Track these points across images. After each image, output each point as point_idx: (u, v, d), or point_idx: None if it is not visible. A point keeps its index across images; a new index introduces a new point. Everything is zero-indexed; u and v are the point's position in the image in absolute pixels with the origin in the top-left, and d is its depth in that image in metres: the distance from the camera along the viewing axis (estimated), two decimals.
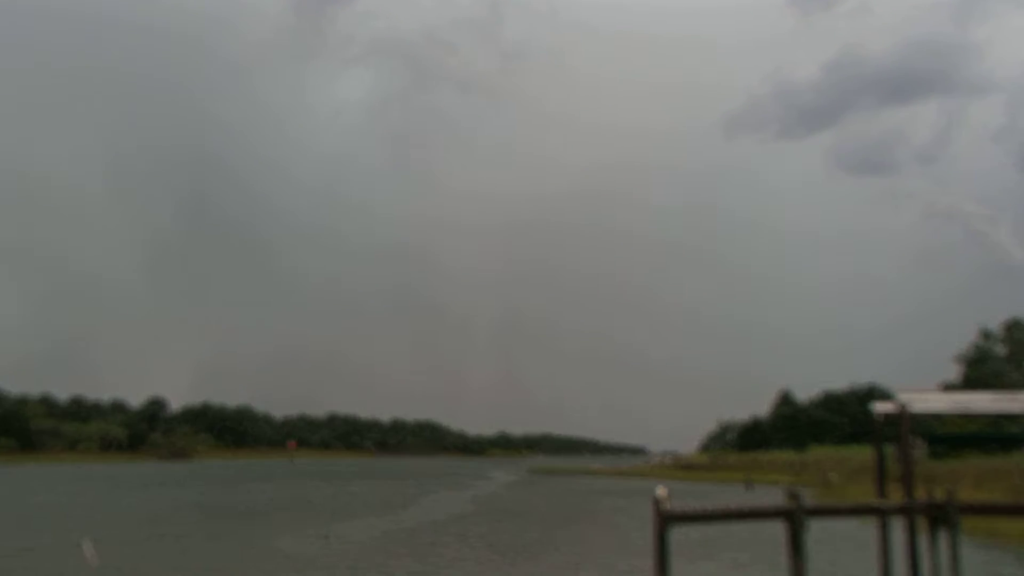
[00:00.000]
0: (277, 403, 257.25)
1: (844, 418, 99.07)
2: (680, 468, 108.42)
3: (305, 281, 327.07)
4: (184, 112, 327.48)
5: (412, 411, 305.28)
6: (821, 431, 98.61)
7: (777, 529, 18.00)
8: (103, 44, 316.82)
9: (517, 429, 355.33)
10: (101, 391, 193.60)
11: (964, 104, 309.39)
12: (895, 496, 20.40)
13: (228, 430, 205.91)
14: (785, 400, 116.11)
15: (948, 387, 64.66)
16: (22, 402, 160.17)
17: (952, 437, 51.74)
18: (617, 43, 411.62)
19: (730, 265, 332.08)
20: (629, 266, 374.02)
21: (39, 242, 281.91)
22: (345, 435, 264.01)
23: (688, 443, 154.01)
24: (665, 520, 17.20)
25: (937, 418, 59.85)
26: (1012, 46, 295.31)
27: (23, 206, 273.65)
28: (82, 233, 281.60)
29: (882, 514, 20.54)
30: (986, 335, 76.50)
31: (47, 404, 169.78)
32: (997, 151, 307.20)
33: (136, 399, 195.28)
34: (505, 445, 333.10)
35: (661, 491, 17.52)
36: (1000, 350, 75.63)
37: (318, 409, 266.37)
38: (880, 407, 22.49)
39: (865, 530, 29.23)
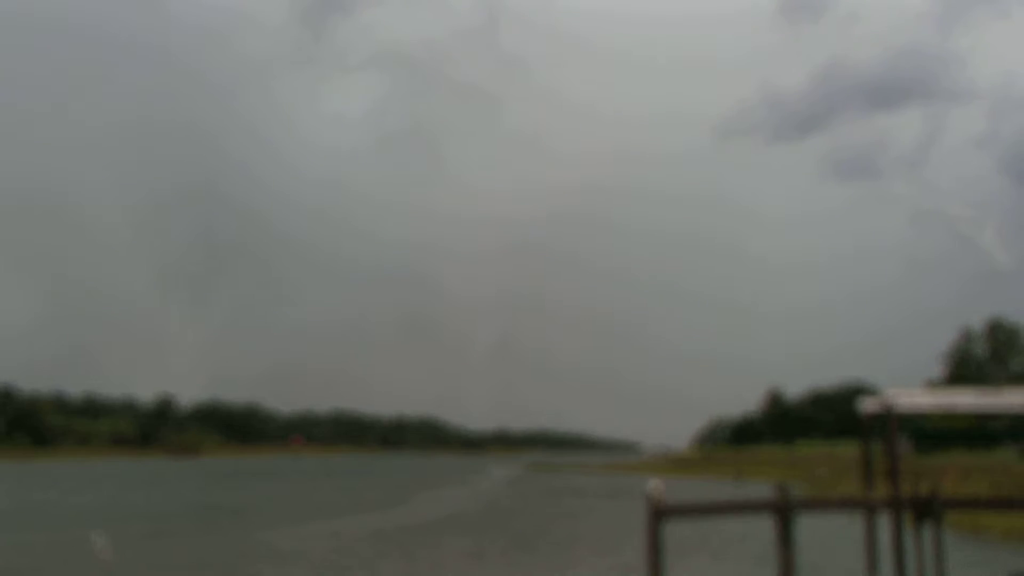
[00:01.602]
0: (283, 401, 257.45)
1: (832, 415, 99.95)
2: (673, 464, 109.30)
3: (306, 300, 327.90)
4: (185, 129, 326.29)
5: (414, 409, 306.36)
6: (810, 428, 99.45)
7: (767, 523, 18.63)
8: (103, 60, 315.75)
9: (516, 426, 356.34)
10: (112, 389, 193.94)
11: (947, 111, 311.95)
12: (882, 491, 21.06)
13: (236, 427, 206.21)
14: (775, 398, 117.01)
15: (933, 385, 65.54)
16: (35, 400, 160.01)
17: (937, 433, 52.54)
18: (609, 54, 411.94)
19: (724, 268, 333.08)
20: (627, 271, 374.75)
21: (53, 247, 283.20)
22: (349, 431, 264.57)
23: (681, 439, 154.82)
24: (658, 514, 17.81)
25: (923, 415, 60.66)
26: (994, 55, 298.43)
27: (36, 214, 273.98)
28: (94, 240, 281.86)
29: (869, 508, 21.21)
30: (969, 335, 77.48)
31: (59, 402, 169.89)
32: (980, 157, 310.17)
33: (147, 397, 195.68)
34: (504, 442, 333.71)
35: (654, 486, 18.13)
36: (983, 349, 76.60)
37: (323, 407, 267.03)
38: (867, 404, 23.15)
39: (853, 524, 29.89)
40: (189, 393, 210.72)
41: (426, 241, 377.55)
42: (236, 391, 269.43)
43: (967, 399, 26.23)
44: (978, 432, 52.37)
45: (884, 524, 21.71)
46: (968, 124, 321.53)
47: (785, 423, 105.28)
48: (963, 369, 74.03)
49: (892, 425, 20.91)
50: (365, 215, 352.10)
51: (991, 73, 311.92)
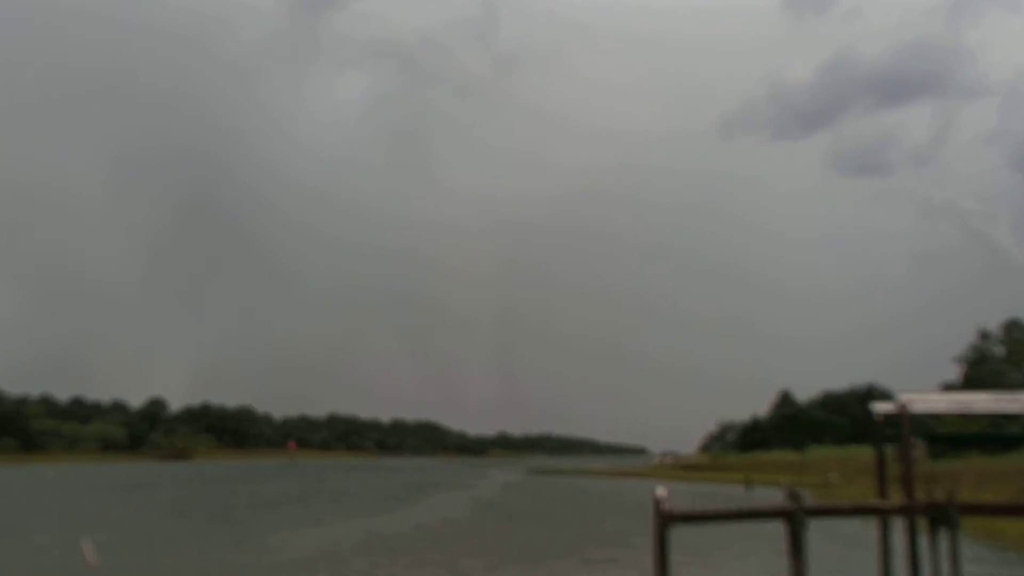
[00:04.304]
0: (277, 403, 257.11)
1: (844, 418, 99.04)
2: (680, 468, 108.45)
3: (304, 282, 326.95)
4: (181, 113, 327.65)
5: (412, 412, 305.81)
6: (821, 431, 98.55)
7: (778, 529, 17.97)
8: (99, 45, 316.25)
9: (517, 429, 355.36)
10: (101, 392, 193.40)
11: (957, 106, 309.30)
12: (896, 496, 20.37)
13: (228, 431, 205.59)
14: (785, 400, 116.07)
15: (948, 387, 64.64)
16: (22, 403, 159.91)
17: (952, 437, 51.63)
18: (613, 45, 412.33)
19: (728, 266, 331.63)
20: (627, 268, 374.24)
21: (38, 244, 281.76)
22: (345, 435, 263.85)
23: (688, 443, 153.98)
24: (665, 520, 17.18)
25: (937, 418, 59.79)
26: (1004, 49, 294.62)
27: (22, 209, 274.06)
28: (81, 235, 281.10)
29: (882, 514, 20.52)
30: (985, 335, 76.74)
31: (47, 405, 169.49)
32: (991, 153, 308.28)
33: (136, 400, 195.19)
34: (505, 445, 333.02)
35: (661, 492, 17.50)
36: (999, 350, 75.80)
37: (318, 410, 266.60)
38: (880, 407, 22.44)
39: (866, 530, 29.17)
40: (180, 395, 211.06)
41: (426, 220, 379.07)
42: (229, 393, 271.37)
43: (983, 402, 25.57)
44: (995, 435, 51.47)
45: (898, 530, 21.05)
46: (979, 120, 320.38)
47: (795, 426, 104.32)
48: (979, 371, 73.11)
49: (906, 428, 20.22)
50: (364, 197, 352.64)
51: (1002, 68, 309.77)
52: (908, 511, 19.36)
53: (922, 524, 19.82)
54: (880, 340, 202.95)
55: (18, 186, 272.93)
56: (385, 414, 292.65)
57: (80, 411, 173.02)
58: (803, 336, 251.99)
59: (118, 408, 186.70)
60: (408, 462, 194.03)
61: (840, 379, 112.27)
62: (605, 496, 62.59)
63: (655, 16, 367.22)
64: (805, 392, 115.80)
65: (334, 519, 39.78)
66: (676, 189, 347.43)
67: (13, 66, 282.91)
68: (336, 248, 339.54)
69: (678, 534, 17.97)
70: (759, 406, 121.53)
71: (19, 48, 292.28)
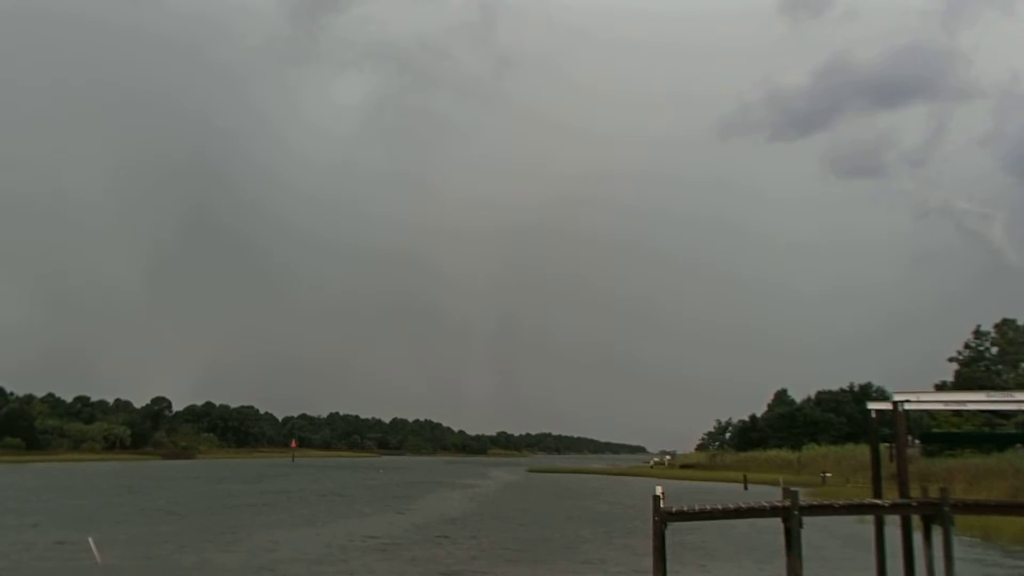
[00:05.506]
0: (279, 403, 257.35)
1: (841, 417, 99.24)
2: (679, 467, 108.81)
3: (305, 285, 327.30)
4: (181, 119, 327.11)
5: (413, 411, 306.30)
6: (818, 430, 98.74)
7: (775, 526, 18.37)
8: (100, 51, 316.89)
9: (517, 428, 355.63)
10: (106, 391, 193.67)
11: (952, 109, 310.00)
12: (891, 494, 20.76)
13: (231, 430, 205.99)
14: (782, 400, 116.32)
15: (942, 387, 65.00)
16: (27, 402, 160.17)
17: (946, 436, 52.02)
18: (610, 50, 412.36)
19: (726, 270, 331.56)
20: (625, 270, 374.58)
21: (44, 248, 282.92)
22: (346, 434, 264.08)
23: (686, 443, 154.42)
24: (663, 518, 17.60)
25: (932, 417, 60.18)
26: (998, 52, 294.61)
27: (28, 216, 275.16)
28: (86, 240, 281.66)
29: (877, 512, 20.91)
30: (979, 335, 77.06)
31: (52, 404, 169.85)
32: (985, 155, 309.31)
33: (140, 399, 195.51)
34: (505, 444, 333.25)
35: (659, 490, 17.93)
36: (992, 349, 76.15)
37: (319, 409, 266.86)
38: (875, 406, 22.87)
39: (862, 526, 29.58)
40: (183, 395, 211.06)
41: (425, 224, 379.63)
42: (232, 392, 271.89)
43: (977, 401, 25.99)
44: (988, 434, 51.83)
45: (893, 527, 21.42)
46: (973, 122, 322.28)
47: (792, 425, 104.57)
48: (972, 370, 73.45)
49: (900, 427, 20.61)
50: (363, 201, 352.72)
51: (996, 71, 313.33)
52: (902, 509, 19.76)
53: (917, 521, 20.23)
54: (878, 342, 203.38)
55: (25, 195, 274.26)
56: (386, 413, 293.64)
57: (84, 410, 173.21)
58: (801, 339, 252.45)
59: (122, 407, 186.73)
60: (409, 461, 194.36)
61: (838, 382, 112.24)
62: (604, 495, 62.96)
63: (652, 21, 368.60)
64: (803, 392, 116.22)
65: (335, 518, 40.10)
66: (673, 193, 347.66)
67: (18, 76, 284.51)
68: (336, 251, 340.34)
69: (677, 533, 18.39)
70: (758, 408, 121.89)
71: (26, 58, 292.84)
